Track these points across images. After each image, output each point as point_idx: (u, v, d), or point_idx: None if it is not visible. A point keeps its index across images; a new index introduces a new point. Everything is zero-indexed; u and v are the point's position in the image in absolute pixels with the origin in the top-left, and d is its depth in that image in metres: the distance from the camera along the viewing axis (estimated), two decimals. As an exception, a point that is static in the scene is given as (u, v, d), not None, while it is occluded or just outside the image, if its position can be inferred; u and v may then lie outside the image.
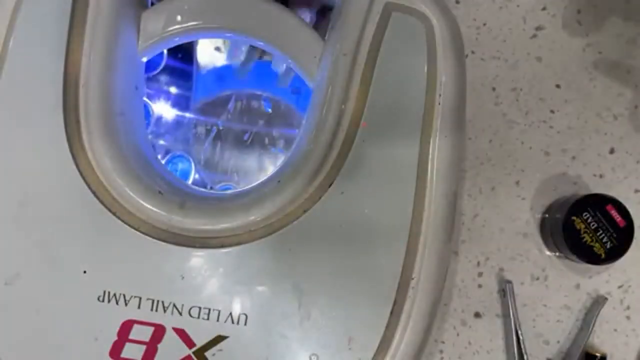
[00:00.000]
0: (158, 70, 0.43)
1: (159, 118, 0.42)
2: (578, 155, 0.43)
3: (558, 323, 0.42)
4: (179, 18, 0.33)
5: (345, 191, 0.32)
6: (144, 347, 0.31)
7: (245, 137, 0.44)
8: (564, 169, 0.43)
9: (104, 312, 0.31)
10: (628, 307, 0.42)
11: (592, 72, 0.44)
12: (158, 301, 0.31)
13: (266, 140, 0.42)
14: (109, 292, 0.31)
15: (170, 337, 0.31)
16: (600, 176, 0.43)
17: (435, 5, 0.34)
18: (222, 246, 0.31)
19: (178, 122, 0.44)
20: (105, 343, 0.30)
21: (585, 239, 0.40)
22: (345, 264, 0.31)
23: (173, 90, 0.42)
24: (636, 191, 0.43)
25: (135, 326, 0.31)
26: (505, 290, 0.42)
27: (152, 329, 0.31)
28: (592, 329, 0.41)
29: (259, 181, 0.36)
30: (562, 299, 0.42)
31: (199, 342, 0.31)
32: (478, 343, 0.42)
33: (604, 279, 0.42)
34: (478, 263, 0.43)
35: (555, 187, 0.43)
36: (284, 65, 0.41)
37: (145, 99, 0.41)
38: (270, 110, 0.42)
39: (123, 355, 0.30)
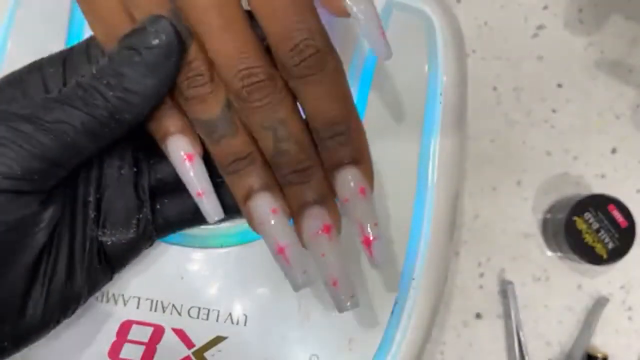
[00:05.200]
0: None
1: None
2: (580, 155, 0.43)
3: (559, 324, 0.42)
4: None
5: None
6: (142, 348, 0.30)
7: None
8: (566, 169, 0.43)
9: (102, 312, 0.30)
10: (630, 308, 0.42)
11: (593, 71, 0.44)
12: (157, 301, 0.31)
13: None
14: (107, 292, 0.31)
15: (169, 337, 0.31)
16: (602, 176, 0.43)
17: (436, 4, 0.34)
18: (222, 246, 0.31)
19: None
20: (104, 343, 0.30)
21: (587, 240, 0.39)
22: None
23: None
24: (638, 191, 0.43)
25: (134, 326, 0.30)
26: (506, 290, 0.41)
27: (151, 329, 0.30)
28: (593, 329, 0.41)
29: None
30: (564, 300, 0.42)
31: (198, 343, 0.31)
32: (479, 344, 0.42)
33: (605, 279, 0.42)
34: (479, 264, 0.42)
35: (557, 187, 0.43)
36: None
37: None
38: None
39: (122, 355, 0.30)
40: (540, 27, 0.44)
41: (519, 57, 0.44)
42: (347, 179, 0.24)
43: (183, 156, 0.26)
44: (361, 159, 0.25)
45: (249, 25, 0.24)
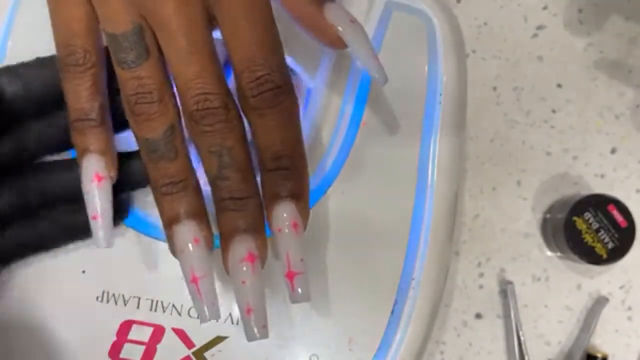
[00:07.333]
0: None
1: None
2: (579, 155, 0.43)
3: (559, 324, 0.42)
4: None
5: (345, 191, 0.32)
6: (143, 348, 0.30)
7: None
8: (566, 168, 0.43)
9: (102, 312, 0.30)
10: (629, 308, 0.42)
11: (593, 71, 0.44)
12: (157, 301, 0.31)
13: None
14: (107, 292, 0.31)
15: (169, 337, 0.31)
16: (602, 176, 0.43)
17: (436, 4, 0.34)
18: (222, 246, 0.31)
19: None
20: (104, 343, 0.30)
21: (586, 240, 0.39)
22: (345, 264, 0.31)
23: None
24: (638, 191, 0.43)
25: (134, 326, 0.30)
26: (506, 290, 0.41)
27: (151, 329, 0.30)
28: (593, 329, 0.41)
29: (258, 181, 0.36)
30: (564, 300, 0.42)
31: (199, 343, 0.31)
32: (479, 344, 0.42)
33: (605, 279, 0.42)
34: (479, 263, 0.42)
35: (557, 187, 0.43)
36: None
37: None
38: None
39: (122, 355, 0.30)
40: (540, 27, 0.44)
41: (519, 57, 0.44)
42: (282, 211, 0.25)
43: (93, 176, 0.26)
44: (299, 196, 0.26)
45: (214, 52, 0.25)
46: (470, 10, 0.44)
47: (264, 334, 0.25)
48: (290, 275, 0.25)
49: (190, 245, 0.25)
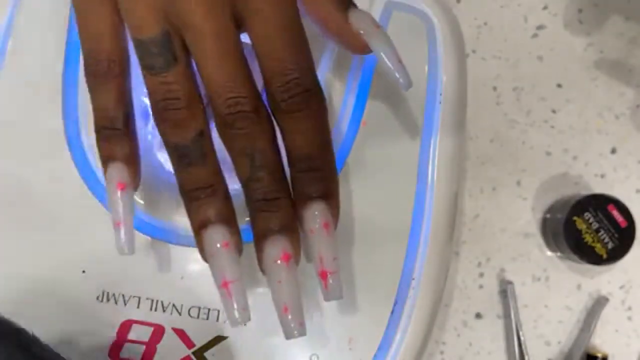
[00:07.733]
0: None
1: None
2: (579, 155, 0.43)
3: (559, 324, 0.42)
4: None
5: (345, 191, 0.32)
6: (143, 347, 0.30)
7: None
8: (566, 168, 0.43)
9: (102, 312, 0.30)
10: (629, 308, 0.42)
11: (593, 71, 0.44)
12: (157, 301, 0.31)
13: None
14: (107, 292, 0.31)
15: (169, 337, 0.31)
16: (602, 176, 0.43)
17: (436, 4, 0.34)
18: (222, 246, 0.31)
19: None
20: (104, 343, 0.30)
21: (586, 240, 0.39)
22: (345, 264, 0.31)
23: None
24: (638, 191, 0.43)
25: (134, 326, 0.30)
26: (506, 290, 0.41)
27: (151, 329, 0.30)
28: (593, 329, 0.41)
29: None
30: (564, 300, 0.42)
31: (199, 343, 0.31)
32: (479, 344, 0.42)
33: (605, 279, 0.42)
34: (479, 263, 0.42)
35: (557, 187, 0.43)
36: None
37: (145, 98, 0.41)
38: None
39: (122, 355, 0.30)
40: (540, 27, 0.44)
41: (519, 57, 0.44)
42: (314, 212, 0.25)
43: (116, 184, 0.26)
44: (330, 196, 0.26)
45: (243, 56, 0.25)
46: (470, 10, 0.44)
47: (302, 332, 0.25)
48: (323, 275, 0.25)
49: (221, 249, 0.25)
